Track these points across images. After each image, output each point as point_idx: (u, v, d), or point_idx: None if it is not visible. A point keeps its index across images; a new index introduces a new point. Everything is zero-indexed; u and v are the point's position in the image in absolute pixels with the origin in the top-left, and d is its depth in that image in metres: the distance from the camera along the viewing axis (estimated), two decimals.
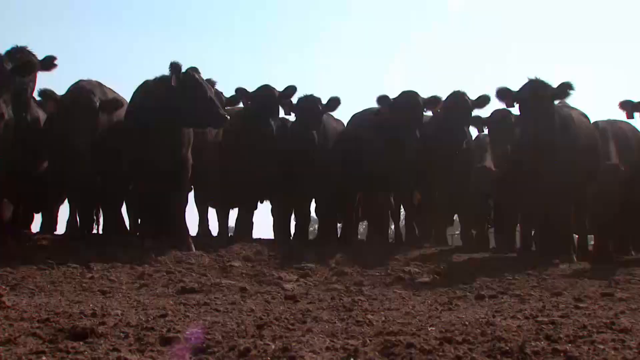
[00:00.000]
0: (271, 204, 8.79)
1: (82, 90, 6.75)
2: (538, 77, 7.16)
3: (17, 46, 6.55)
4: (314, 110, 8.22)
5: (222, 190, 8.26)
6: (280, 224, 8.70)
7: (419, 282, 5.74)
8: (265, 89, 8.13)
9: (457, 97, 8.16)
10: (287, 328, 3.51)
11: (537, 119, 6.93)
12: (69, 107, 6.59)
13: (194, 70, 6.67)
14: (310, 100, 8.33)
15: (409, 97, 8.03)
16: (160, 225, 7.40)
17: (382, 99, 8.14)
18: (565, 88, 7.19)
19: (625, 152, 8.20)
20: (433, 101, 8.17)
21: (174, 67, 6.47)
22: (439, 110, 8.36)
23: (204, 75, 6.85)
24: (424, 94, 8.27)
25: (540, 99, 7.02)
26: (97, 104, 6.65)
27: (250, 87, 8.21)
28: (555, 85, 7.20)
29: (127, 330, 3.31)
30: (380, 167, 8.11)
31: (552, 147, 7.03)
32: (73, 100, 6.64)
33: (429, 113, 8.62)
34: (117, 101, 6.87)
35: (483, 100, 8.23)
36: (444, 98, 8.28)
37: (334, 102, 8.55)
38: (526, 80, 7.18)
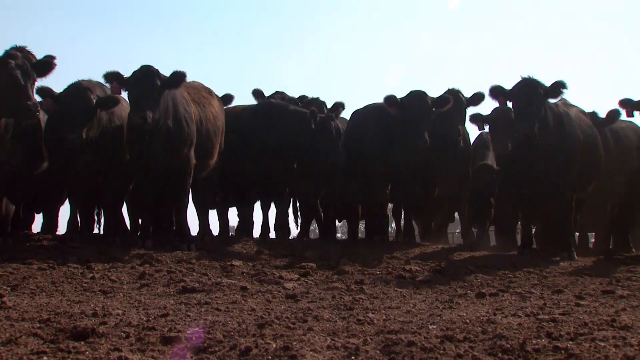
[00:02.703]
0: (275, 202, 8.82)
1: (79, 87, 6.76)
2: (530, 76, 7.16)
3: (16, 46, 6.53)
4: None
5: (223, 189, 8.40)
6: (282, 223, 8.76)
7: (419, 281, 5.73)
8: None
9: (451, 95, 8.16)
10: (288, 327, 3.51)
11: (529, 117, 6.92)
12: (66, 103, 6.59)
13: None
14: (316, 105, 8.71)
15: (418, 97, 7.99)
16: (160, 225, 7.40)
17: (389, 99, 8.10)
18: (558, 87, 7.17)
19: (624, 152, 8.22)
20: (442, 101, 8.15)
21: None
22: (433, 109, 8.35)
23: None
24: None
25: (531, 97, 7.02)
26: (94, 100, 6.65)
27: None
28: (548, 83, 7.20)
29: (128, 330, 3.31)
30: (387, 166, 8.11)
31: (544, 146, 7.02)
32: (69, 97, 6.65)
33: None
34: (114, 98, 6.86)
35: (477, 98, 8.24)
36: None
37: (338, 107, 8.91)
38: (519, 79, 7.18)
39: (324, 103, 8.92)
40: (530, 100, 7.00)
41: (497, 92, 7.33)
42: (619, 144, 8.21)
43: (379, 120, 8.24)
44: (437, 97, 8.03)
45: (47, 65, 6.25)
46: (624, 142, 8.30)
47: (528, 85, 7.09)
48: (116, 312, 3.80)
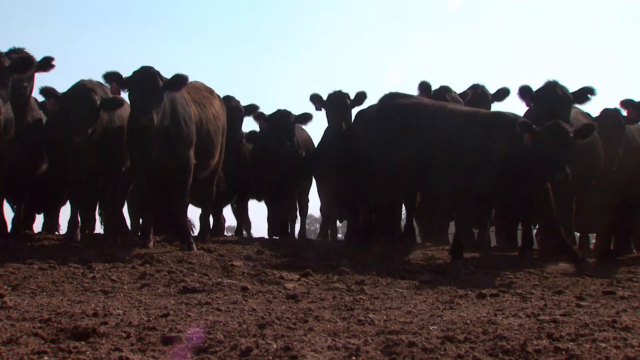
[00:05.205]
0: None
1: (83, 88, 6.76)
2: (556, 80, 7.14)
3: (14, 48, 6.54)
4: (343, 104, 8.65)
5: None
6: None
7: (420, 281, 5.73)
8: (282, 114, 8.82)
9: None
10: (288, 327, 3.51)
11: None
12: (69, 104, 6.59)
13: None
14: (339, 95, 8.81)
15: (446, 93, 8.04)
16: (161, 225, 7.39)
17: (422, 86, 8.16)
18: (585, 92, 7.15)
19: (627, 152, 8.20)
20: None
21: None
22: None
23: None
24: None
25: (555, 103, 6.99)
26: (98, 101, 6.65)
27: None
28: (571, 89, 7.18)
29: (128, 330, 3.32)
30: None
31: None
32: (73, 98, 6.65)
33: None
34: (118, 100, 6.87)
35: (502, 93, 8.27)
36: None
37: (361, 97, 8.89)
38: (544, 82, 7.17)
39: (347, 95, 8.91)
40: (554, 107, 6.96)
41: (525, 92, 7.31)
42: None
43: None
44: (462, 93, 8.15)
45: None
46: (628, 143, 8.28)
47: (553, 90, 7.05)
48: (117, 312, 3.80)
